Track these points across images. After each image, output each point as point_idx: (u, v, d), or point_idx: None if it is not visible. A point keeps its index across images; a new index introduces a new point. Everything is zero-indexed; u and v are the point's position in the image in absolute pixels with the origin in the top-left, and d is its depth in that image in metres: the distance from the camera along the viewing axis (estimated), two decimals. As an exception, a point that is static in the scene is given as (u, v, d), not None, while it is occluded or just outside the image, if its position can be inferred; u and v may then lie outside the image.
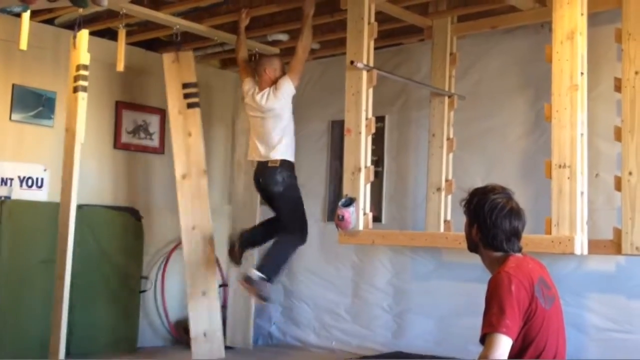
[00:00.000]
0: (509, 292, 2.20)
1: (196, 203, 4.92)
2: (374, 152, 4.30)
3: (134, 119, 5.55)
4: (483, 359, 2.14)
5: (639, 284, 4.00)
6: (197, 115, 4.95)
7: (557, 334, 2.31)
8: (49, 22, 4.92)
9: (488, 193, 2.44)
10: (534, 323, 2.22)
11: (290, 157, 4.40)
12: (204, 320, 4.89)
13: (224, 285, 6.06)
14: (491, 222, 2.39)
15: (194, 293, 4.88)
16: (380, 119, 4.90)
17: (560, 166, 3.24)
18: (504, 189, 2.48)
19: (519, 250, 2.43)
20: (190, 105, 4.90)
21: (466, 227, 2.51)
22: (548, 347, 2.25)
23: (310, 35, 4.39)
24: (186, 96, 4.89)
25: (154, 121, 5.64)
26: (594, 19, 3.67)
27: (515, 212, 2.42)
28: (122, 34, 4.49)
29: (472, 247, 2.51)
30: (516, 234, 2.41)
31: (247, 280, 4.23)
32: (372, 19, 4.01)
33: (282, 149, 4.35)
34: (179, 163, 4.89)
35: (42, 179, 4.94)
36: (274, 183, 4.35)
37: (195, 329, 4.85)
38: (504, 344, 2.14)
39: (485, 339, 2.17)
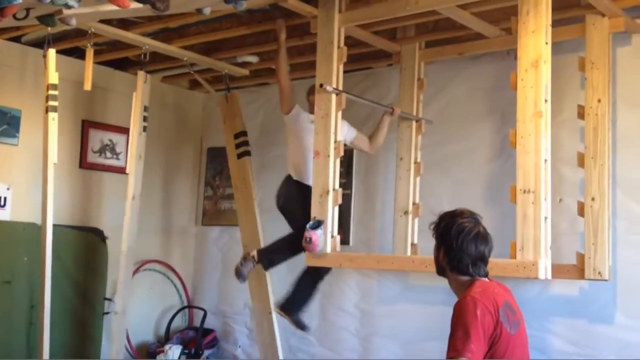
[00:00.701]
0: (474, 316, 2.21)
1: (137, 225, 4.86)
2: (342, 175, 4.32)
3: (100, 139, 5.50)
4: None
5: (601, 308, 4.05)
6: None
7: (522, 358, 2.32)
8: (16, 39, 4.86)
9: (456, 217, 2.47)
10: (498, 348, 2.23)
11: (292, 172, 4.41)
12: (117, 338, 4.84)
13: (189, 307, 6.01)
14: (457, 246, 2.41)
15: (114, 311, 4.83)
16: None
17: (524, 191, 3.28)
18: (472, 213, 2.51)
19: (486, 274, 2.45)
20: (144, 129, 4.85)
21: (434, 251, 2.52)
22: None
23: (283, 61, 4.36)
24: (144, 119, 4.83)
25: (120, 141, 5.58)
26: (558, 47, 3.76)
27: (482, 237, 2.44)
28: (90, 53, 4.45)
29: (440, 271, 2.53)
30: (482, 259, 2.43)
31: (244, 257, 4.55)
32: (342, 43, 4.04)
33: (289, 168, 4.44)
34: (132, 183, 4.79)
35: (5, 198, 4.85)
36: (276, 200, 4.48)
37: (109, 346, 4.78)
38: None
39: None
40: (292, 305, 4.40)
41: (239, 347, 5.75)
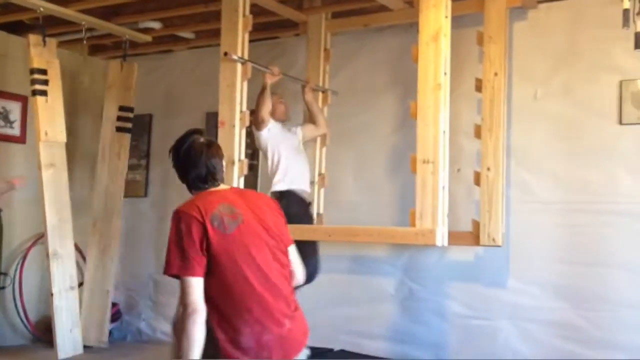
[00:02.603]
0: (177, 230, 2.28)
1: (59, 195, 4.77)
2: (248, 145, 4.29)
3: (-8, 106, 5.22)
4: (182, 306, 2.26)
5: (495, 273, 4.25)
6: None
7: (253, 248, 2.34)
8: None
9: (180, 141, 2.55)
10: (214, 249, 2.27)
11: (278, 186, 4.21)
12: (68, 316, 4.75)
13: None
14: (180, 166, 2.48)
15: (59, 289, 4.70)
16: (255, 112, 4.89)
17: (424, 161, 3.38)
18: (195, 130, 2.57)
19: (212, 185, 2.45)
20: (37, 92, 4.65)
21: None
22: (240, 263, 2.30)
23: (269, 99, 4.16)
24: (36, 82, 4.64)
25: (14, 108, 5.31)
26: (458, 21, 3.86)
27: (198, 150, 2.46)
28: (-20, 15, 4.21)
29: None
30: (203, 176, 2.43)
31: None
32: (247, 11, 3.99)
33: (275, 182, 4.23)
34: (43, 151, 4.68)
35: None
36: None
37: (59, 326, 4.66)
38: (194, 284, 2.25)
39: (179, 283, 2.27)
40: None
41: (143, 319, 5.66)
